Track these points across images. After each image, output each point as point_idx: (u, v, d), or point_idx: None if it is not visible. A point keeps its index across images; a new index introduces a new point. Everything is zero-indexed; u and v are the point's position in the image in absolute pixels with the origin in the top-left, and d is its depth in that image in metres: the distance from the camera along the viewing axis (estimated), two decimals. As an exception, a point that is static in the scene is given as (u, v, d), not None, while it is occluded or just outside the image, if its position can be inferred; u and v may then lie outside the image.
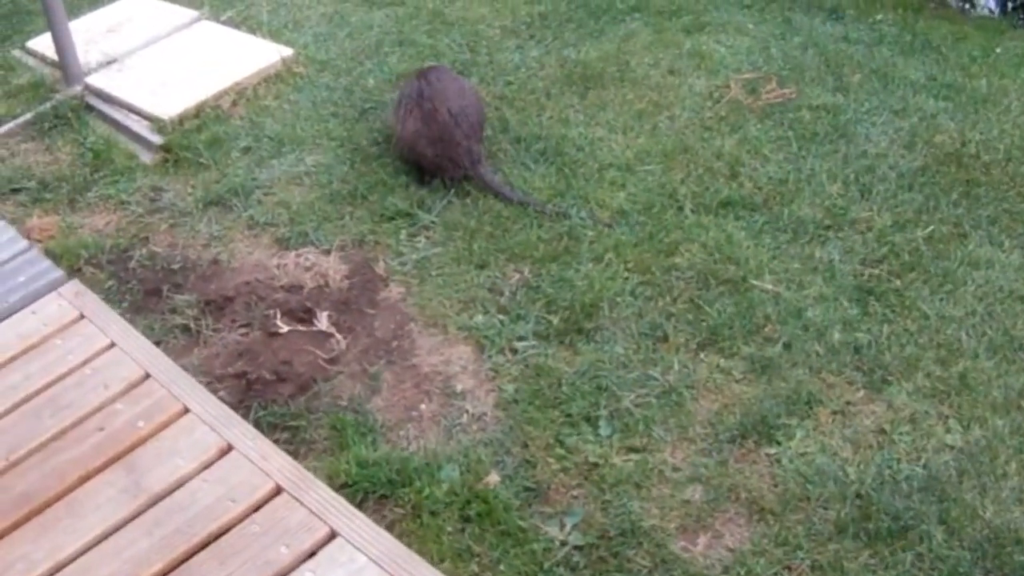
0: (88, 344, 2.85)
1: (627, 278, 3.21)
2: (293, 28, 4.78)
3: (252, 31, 4.75)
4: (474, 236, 3.41)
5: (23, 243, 3.30)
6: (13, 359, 2.84)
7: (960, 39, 4.54)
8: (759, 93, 4.04)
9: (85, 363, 2.78)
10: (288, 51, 4.47)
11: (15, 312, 3.01)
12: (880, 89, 4.09)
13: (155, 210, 3.73)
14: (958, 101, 4.04)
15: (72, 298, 3.01)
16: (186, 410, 2.62)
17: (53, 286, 3.09)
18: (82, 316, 2.94)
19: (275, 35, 4.68)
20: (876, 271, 3.24)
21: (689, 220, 3.42)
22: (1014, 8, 5.34)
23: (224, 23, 4.86)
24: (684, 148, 3.75)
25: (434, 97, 3.59)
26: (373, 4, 4.98)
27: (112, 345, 2.83)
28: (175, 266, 3.46)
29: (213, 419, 2.59)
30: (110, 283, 3.42)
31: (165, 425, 2.59)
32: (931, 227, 3.40)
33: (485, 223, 3.45)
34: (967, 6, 5.47)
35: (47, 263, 3.20)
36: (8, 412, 2.68)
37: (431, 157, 3.64)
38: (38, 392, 2.72)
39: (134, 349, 2.81)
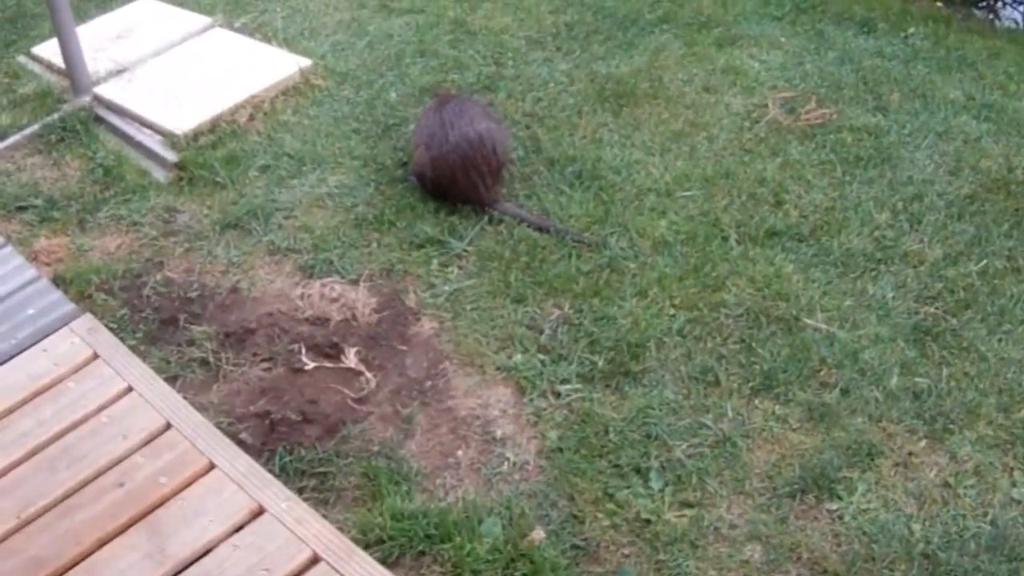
0: (104, 388, 2.61)
1: (673, 315, 2.97)
2: (309, 36, 4.51)
3: (267, 39, 4.48)
4: (509, 267, 3.16)
5: (31, 272, 3.04)
6: (24, 402, 2.60)
7: (994, 55, 4.31)
8: (798, 113, 3.80)
9: (101, 409, 2.55)
10: (306, 61, 4.21)
11: (25, 349, 2.77)
12: (920, 109, 3.85)
13: (169, 232, 3.47)
14: (1000, 123, 3.81)
15: (85, 334, 2.77)
16: (212, 466, 2.39)
17: (64, 320, 2.84)
18: (96, 355, 2.70)
19: (291, 43, 4.42)
20: (931, 309, 3.01)
21: (735, 252, 3.18)
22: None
23: (238, 30, 4.58)
24: (725, 172, 3.50)
25: (446, 138, 3.33)
26: (391, 11, 4.71)
27: (130, 389, 2.59)
28: (192, 294, 3.21)
29: (242, 477, 2.35)
30: (123, 311, 3.15)
31: (190, 482, 2.36)
32: (984, 261, 3.17)
33: (521, 253, 3.21)
34: (991, 16, 5.27)
35: (57, 294, 2.94)
36: (20, 462, 2.45)
37: (436, 192, 3.45)
38: (51, 440, 2.49)
39: (153, 395, 2.57)
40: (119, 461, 2.41)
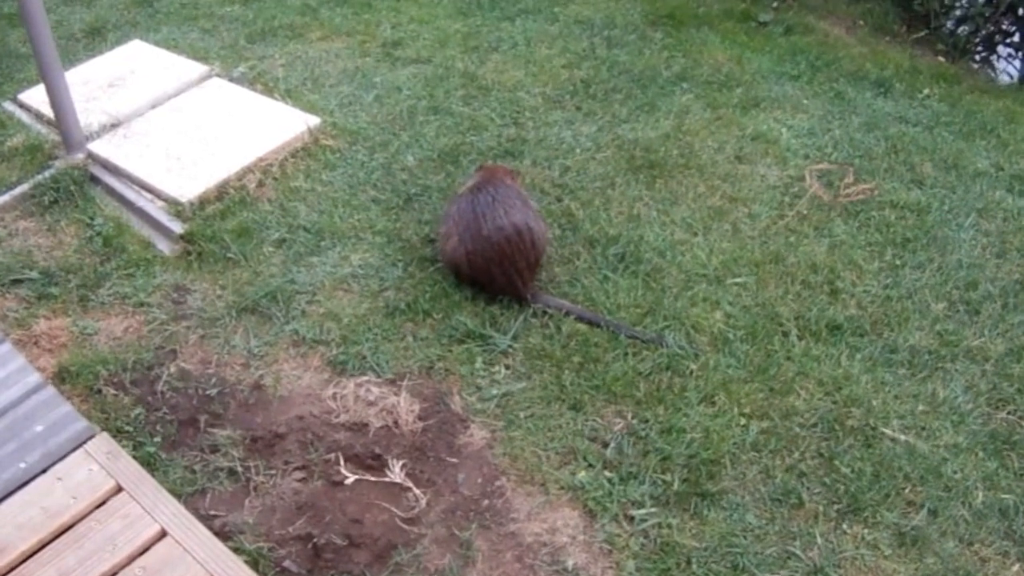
0: (133, 531, 2.15)
1: (745, 425, 2.62)
2: (312, 87, 4.06)
3: (268, 90, 4.02)
4: (562, 368, 2.77)
5: (35, 377, 2.55)
6: (43, 546, 2.14)
7: (1011, 119, 4.03)
8: (837, 187, 3.47)
9: (133, 560, 2.10)
10: (314, 119, 3.76)
11: (36, 476, 2.30)
12: (955, 182, 3.55)
13: (180, 316, 3.02)
14: (1034, 197, 3.54)
15: (104, 460, 2.31)
16: (268, 634, 1.97)
17: (78, 439, 2.37)
18: (120, 488, 2.24)
19: (293, 95, 3.97)
20: (1004, 414, 2.70)
21: (797, 349, 2.83)
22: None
23: (236, 80, 4.11)
24: (774, 256, 3.15)
25: (480, 230, 2.91)
26: (396, 60, 4.28)
27: (164, 534, 2.14)
28: (211, 391, 2.77)
29: (304, 649, 1.94)
30: (137, 411, 2.71)
31: (244, 657, 1.94)
32: (1048, 356, 2.89)
33: (572, 351, 2.81)
34: (988, 69, 5.01)
35: (67, 407, 2.47)
36: (44, 630, 2.00)
37: (471, 284, 3.04)
38: (79, 602, 2.05)
39: (193, 542, 2.13)
40: (160, 629, 1.99)
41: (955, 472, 2.54)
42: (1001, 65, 5.01)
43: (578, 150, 3.65)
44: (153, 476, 2.35)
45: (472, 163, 3.53)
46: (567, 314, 2.93)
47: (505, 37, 4.47)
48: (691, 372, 2.75)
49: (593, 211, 3.33)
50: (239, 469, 2.57)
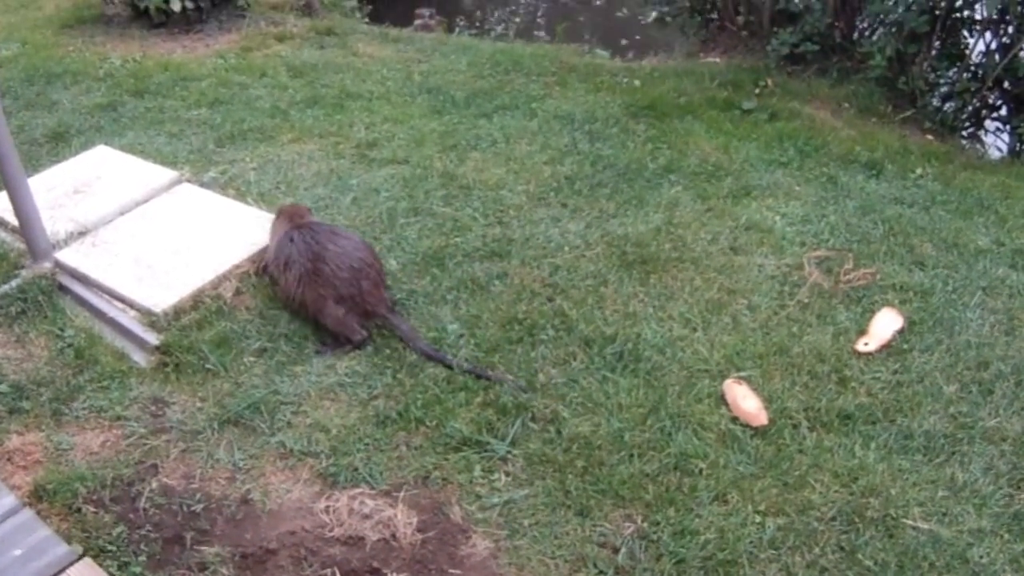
0: (123, 661, 2.18)
1: (760, 523, 2.67)
2: (286, 191, 4.19)
3: (241, 195, 4.15)
4: (565, 472, 2.83)
5: (10, 499, 2.60)
6: None
7: (1007, 195, 4.23)
8: (837, 274, 3.61)
9: None
10: (291, 224, 3.87)
11: (14, 605, 2.33)
12: (957, 262, 3.71)
13: (160, 429, 3.06)
14: (1038, 272, 3.69)
15: (89, 586, 2.34)
16: None
17: (59, 564, 2.42)
18: (108, 615, 2.27)
19: (267, 199, 4.09)
20: (1026, 496, 2.80)
21: (809, 441, 2.92)
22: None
23: (207, 185, 4.24)
24: (778, 347, 3.26)
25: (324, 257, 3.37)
26: (371, 161, 4.43)
27: (157, 664, 2.17)
28: (196, 507, 2.80)
29: None
30: (119, 529, 2.73)
31: None
32: (1065, 436, 2.99)
33: (574, 455, 2.88)
34: (977, 145, 5.24)
35: (47, 531, 2.51)
36: None
37: (341, 317, 3.37)
38: None
39: (188, 669, 2.15)
40: None
41: (981, 557, 2.62)
42: (989, 139, 5.24)
43: (567, 248, 3.78)
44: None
45: (458, 265, 3.66)
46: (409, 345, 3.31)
47: (483, 135, 4.64)
48: (700, 471, 2.82)
49: (587, 310, 3.43)
50: (230, 588, 2.59)
